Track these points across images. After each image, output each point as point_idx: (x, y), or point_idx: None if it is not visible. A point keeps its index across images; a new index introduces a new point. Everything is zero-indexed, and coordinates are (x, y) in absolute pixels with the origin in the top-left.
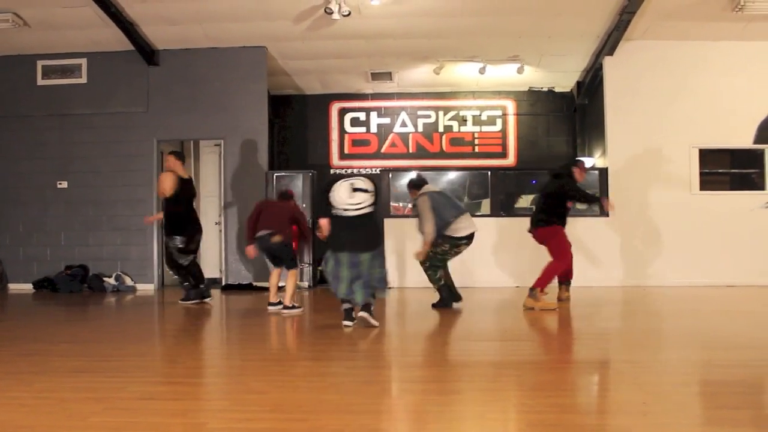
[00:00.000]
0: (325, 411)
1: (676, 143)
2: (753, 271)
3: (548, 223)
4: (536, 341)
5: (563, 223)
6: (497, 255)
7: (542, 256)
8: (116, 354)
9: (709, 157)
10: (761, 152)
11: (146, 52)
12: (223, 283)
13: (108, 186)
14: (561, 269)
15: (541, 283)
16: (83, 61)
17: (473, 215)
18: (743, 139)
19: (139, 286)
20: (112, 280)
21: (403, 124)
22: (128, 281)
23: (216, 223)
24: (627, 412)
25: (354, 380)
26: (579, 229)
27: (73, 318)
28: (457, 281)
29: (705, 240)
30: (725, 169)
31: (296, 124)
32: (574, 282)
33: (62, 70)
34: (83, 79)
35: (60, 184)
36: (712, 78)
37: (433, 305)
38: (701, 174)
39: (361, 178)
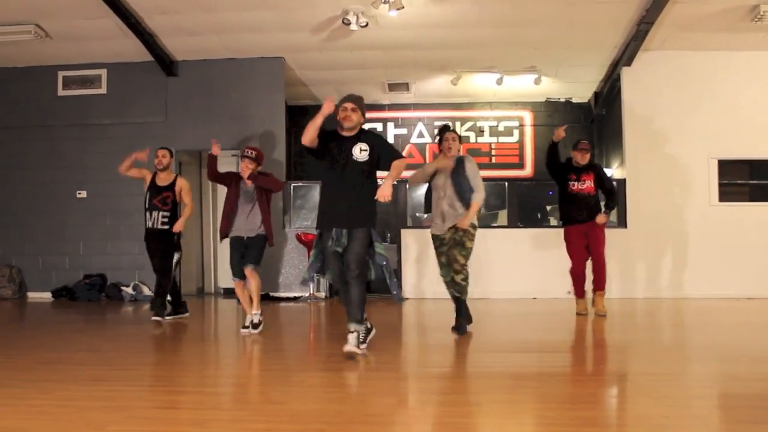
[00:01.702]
0: (343, 422)
1: (695, 154)
2: None
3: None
4: (555, 353)
5: (566, 221)
6: (515, 266)
7: (561, 267)
8: (135, 363)
9: (727, 168)
10: None
11: (165, 63)
12: None
13: (126, 195)
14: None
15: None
16: (103, 72)
17: (490, 226)
18: (762, 149)
19: None
20: (130, 290)
21: (420, 135)
22: (146, 291)
23: None
24: (647, 425)
25: (372, 391)
26: None
27: (91, 327)
28: (474, 293)
29: (724, 252)
30: (744, 180)
31: None
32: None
33: (83, 80)
34: (103, 90)
35: (79, 193)
36: (730, 88)
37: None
38: (720, 185)
39: None
